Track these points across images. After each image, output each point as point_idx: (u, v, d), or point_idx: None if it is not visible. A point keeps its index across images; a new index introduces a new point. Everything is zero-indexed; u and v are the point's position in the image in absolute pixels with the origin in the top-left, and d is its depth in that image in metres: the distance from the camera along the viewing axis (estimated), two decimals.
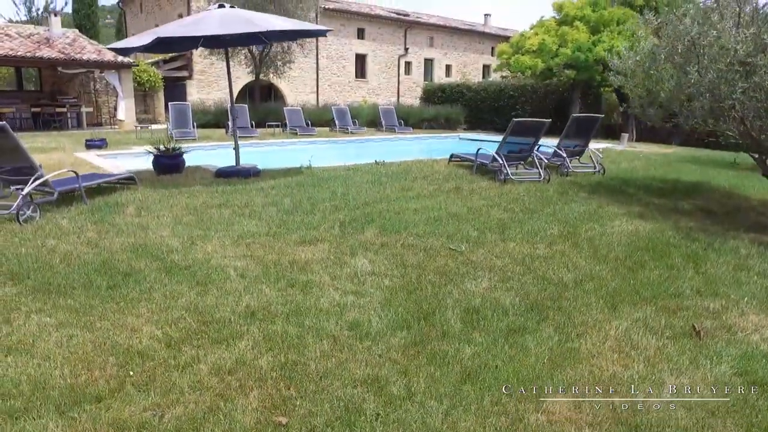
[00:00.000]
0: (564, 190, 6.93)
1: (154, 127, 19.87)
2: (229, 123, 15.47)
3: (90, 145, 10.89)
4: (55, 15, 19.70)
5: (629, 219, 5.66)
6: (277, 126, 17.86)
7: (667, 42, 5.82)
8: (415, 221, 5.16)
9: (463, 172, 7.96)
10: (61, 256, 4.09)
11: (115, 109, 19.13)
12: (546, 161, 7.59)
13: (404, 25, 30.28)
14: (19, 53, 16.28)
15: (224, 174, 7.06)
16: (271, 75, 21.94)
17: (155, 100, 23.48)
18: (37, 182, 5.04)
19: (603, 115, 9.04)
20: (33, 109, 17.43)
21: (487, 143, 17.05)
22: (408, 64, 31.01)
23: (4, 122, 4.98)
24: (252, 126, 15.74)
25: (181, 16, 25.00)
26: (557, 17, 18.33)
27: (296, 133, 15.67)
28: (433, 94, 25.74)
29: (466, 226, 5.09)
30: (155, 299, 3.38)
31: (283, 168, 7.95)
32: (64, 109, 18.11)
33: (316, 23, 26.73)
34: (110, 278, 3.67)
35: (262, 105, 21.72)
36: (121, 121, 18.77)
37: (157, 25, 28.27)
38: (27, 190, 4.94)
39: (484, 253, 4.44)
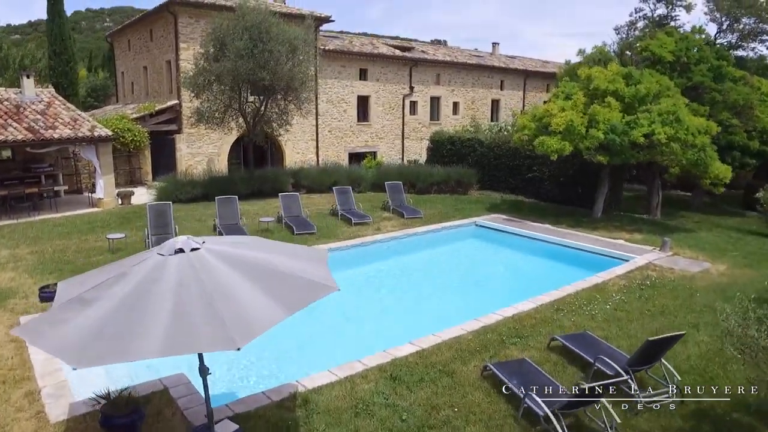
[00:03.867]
0: None
1: (137, 197, 18.11)
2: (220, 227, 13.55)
3: (45, 296, 9.12)
4: (28, 77, 17.85)
5: None
6: (272, 213, 16.09)
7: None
8: None
9: (503, 409, 6.16)
10: None
11: (93, 186, 17.32)
12: (608, 399, 5.76)
13: (409, 63, 28.41)
14: None
15: None
16: (267, 132, 20.15)
17: (141, 159, 21.70)
18: None
19: (684, 333, 7.12)
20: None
21: (509, 236, 14.90)
22: (413, 104, 29.17)
23: None
24: (241, 220, 13.91)
25: (169, 63, 23.19)
26: (577, 74, 16.52)
27: (293, 232, 13.85)
28: (441, 146, 24.00)
29: None
30: None
31: (272, 404, 6.16)
32: (35, 189, 16.32)
33: (315, 69, 24.91)
34: None
35: (257, 171, 19.88)
36: (100, 199, 16.95)
37: (145, 68, 26.45)
38: None
39: None
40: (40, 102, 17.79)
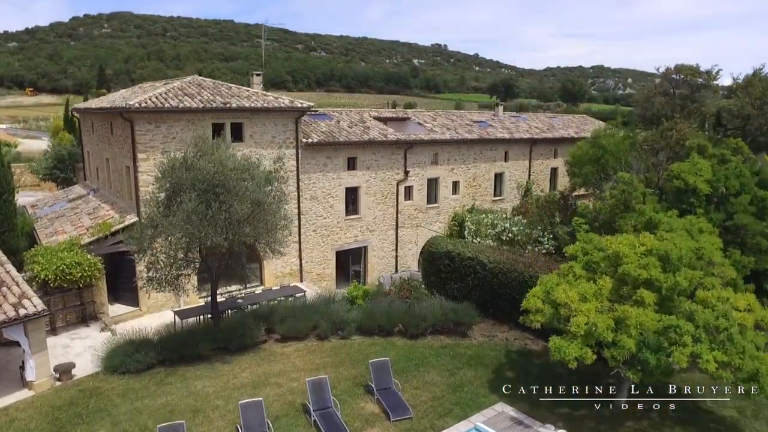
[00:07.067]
0: None
1: (82, 352, 15.43)
2: None
3: None
4: None
5: None
6: (233, 402, 13.34)
7: None
8: None
9: None
10: None
11: (22, 366, 14.58)
12: None
13: (403, 146, 25.61)
14: None
15: None
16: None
17: (94, 291, 18.98)
18: None
19: None
20: None
21: None
22: (408, 189, 26.39)
23: None
24: None
25: (128, 168, 20.44)
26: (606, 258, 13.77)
27: None
28: (438, 259, 21.20)
29: None
30: None
31: None
32: None
33: (297, 167, 22.30)
34: None
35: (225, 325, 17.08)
36: (31, 381, 14.26)
37: (107, 160, 23.69)
38: None
39: None
40: None
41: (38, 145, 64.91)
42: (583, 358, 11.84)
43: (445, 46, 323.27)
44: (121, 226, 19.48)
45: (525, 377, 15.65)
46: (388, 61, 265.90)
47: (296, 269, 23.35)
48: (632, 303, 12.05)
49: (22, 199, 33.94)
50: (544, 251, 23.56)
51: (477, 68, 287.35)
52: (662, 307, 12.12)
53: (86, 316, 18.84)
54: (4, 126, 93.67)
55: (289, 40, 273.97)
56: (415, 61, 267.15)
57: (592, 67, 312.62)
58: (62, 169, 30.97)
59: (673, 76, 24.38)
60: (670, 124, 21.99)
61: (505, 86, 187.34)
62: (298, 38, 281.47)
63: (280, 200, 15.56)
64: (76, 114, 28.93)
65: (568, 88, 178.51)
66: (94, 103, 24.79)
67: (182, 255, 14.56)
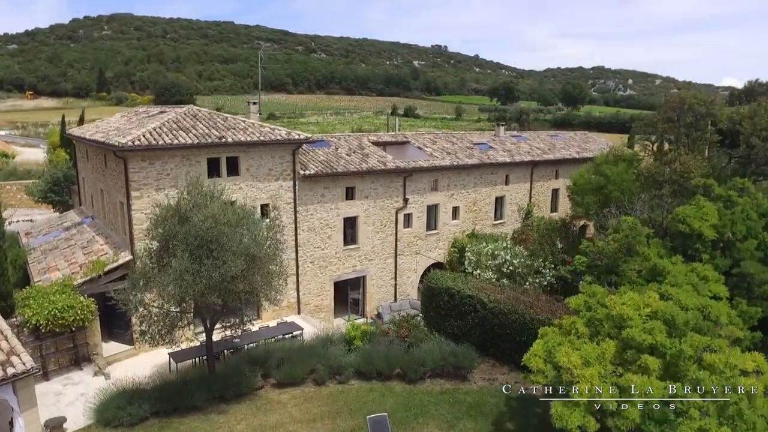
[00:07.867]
0: None
1: (75, 398, 15.09)
2: None
3: None
4: None
5: None
6: None
7: None
8: None
9: None
10: None
11: (11, 422, 14.23)
12: None
13: (403, 174, 25.23)
14: None
15: None
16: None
17: (87, 333, 18.63)
18: None
19: None
20: None
21: None
22: (408, 216, 26.02)
23: None
24: None
25: (122, 203, 20.07)
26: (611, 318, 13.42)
27: None
28: (438, 296, 20.83)
29: None
30: None
31: None
32: None
33: (294, 199, 21.94)
34: None
35: (221, 370, 16.75)
36: None
37: (102, 191, 23.31)
38: None
39: None
40: None
41: (36, 155, 64.63)
42: (585, 427, 11.49)
43: (446, 47, 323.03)
44: (115, 264, 19.12)
45: (525, 429, 15.31)
46: (388, 62, 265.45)
47: (294, 302, 23.00)
48: (636, 368, 11.70)
49: (18, 216, 33.64)
50: (545, 283, 23.26)
51: (477, 69, 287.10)
52: (668, 371, 11.76)
53: (79, 359, 18.48)
54: (3, 133, 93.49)
55: (289, 42, 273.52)
56: (416, 62, 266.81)
57: (593, 68, 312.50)
58: (57, 192, 30.60)
59: (675, 108, 23.86)
60: (673, 155, 21.61)
61: (506, 89, 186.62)
62: (298, 39, 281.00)
63: (276, 249, 15.19)
64: (72, 139, 28.58)
65: (568, 90, 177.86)
66: (88, 132, 24.35)
67: (175, 308, 14.19)
